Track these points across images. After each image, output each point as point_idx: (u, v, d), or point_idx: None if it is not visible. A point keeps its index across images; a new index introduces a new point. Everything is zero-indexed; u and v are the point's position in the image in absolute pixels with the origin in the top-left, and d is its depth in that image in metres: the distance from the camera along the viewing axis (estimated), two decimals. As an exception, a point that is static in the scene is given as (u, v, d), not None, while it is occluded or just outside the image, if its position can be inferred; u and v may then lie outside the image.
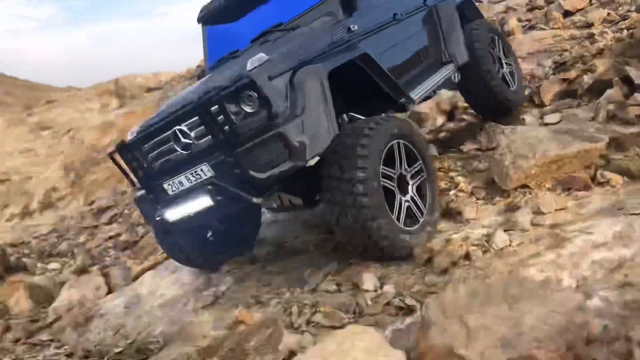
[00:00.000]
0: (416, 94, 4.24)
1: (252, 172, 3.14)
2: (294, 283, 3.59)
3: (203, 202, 3.31)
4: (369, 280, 3.17)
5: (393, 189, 3.37)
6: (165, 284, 4.56)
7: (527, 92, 5.62)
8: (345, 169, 3.12)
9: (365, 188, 3.10)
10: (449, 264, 3.03)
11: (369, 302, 2.94)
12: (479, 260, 2.97)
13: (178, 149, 3.46)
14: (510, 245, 3.03)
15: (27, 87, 33.62)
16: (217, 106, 3.19)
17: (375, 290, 3.07)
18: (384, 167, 3.30)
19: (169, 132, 3.46)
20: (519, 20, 8.15)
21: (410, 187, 3.52)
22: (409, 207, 3.46)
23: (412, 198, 3.50)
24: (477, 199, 3.86)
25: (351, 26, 3.83)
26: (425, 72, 4.62)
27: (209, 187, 3.27)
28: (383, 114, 3.65)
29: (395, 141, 3.42)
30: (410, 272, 3.20)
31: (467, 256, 3.04)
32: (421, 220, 3.48)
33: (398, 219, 3.32)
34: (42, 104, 26.41)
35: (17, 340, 4.52)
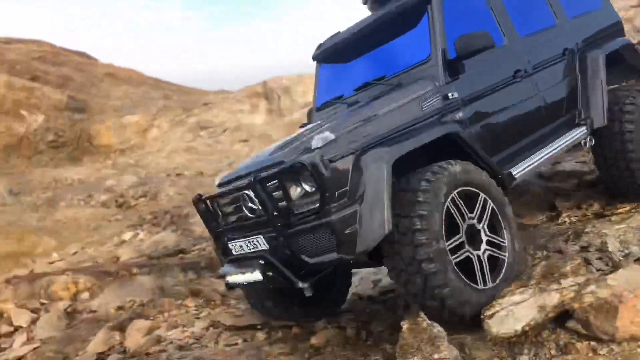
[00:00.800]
0: (524, 166, 3.74)
1: (302, 256, 3.04)
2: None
3: (254, 275, 3.21)
4: (612, 244, 3.82)
5: (460, 225, 3.14)
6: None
7: None
8: (404, 231, 2.93)
9: (428, 252, 2.88)
10: (690, 230, 3.60)
11: (621, 258, 3.59)
12: None
13: (246, 211, 3.37)
14: None
15: (182, 91, 36.67)
16: (276, 181, 3.10)
17: (621, 251, 3.71)
18: (459, 198, 3.12)
19: (240, 193, 3.38)
20: None
21: (481, 248, 3.20)
22: (469, 265, 3.14)
23: (478, 258, 3.18)
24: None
25: (450, 94, 3.52)
26: (547, 136, 4.06)
27: (261, 261, 3.17)
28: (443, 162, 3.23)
29: (479, 192, 3.22)
30: (647, 239, 3.79)
31: None
32: (479, 287, 3.09)
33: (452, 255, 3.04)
34: (199, 106, 28.89)
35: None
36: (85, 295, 6.63)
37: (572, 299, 2.66)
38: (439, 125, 3.37)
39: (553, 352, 2.65)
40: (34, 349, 5.26)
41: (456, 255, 3.05)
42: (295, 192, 3.08)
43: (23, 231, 17.02)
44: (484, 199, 3.24)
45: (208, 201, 3.66)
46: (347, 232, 2.86)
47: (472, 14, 3.94)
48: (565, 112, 4.24)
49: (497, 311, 2.88)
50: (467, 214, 3.16)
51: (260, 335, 4.00)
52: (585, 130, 4.19)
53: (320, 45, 4.71)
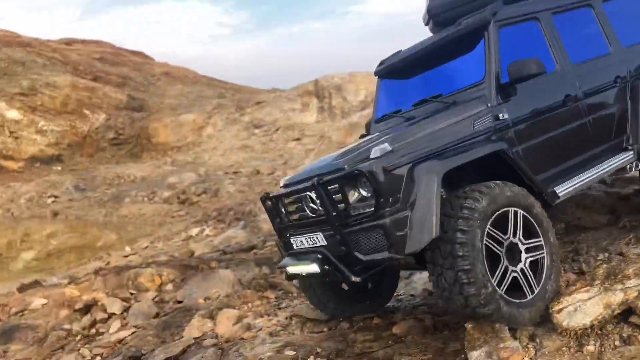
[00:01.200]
0: (568, 186, 3.94)
1: (355, 253, 3.42)
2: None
3: (312, 267, 3.64)
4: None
5: (499, 253, 3.36)
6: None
7: None
8: (446, 229, 3.22)
9: (464, 251, 3.16)
10: None
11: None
12: None
13: (307, 211, 3.78)
14: None
15: (235, 90, 37.49)
16: (336, 185, 3.45)
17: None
18: (492, 229, 3.33)
19: (303, 194, 3.78)
20: None
21: (522, 259, 3.45)
22: (515, 279, 3.39)
23: (522, 271, 3.42)
24: None
25: (500, 115, 3.77)
26: (593, 159, 4.24)
27: (318, 255, 3.59)
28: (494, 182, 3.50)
29: (508, 208, 3.41)
30: None
31: None
32: (528, 298, 3.39)
33: (499, 286, 3.30)
34: (252, 105, 29.60)
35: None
36: (169, 286, 7.26)
37: (635, 298, 3.03)
38: (488, 143, 3.65)
39: (617, 343, 3.02)
40: (132, 333, 5.89)
41: (504, 284, 3.32)
42: (353, 196, 3.44)
43: (86, 225, 18.10)
44: (514, 212, 3.45)
45: (274, 199, 4.11)
46: (398, 234, 3.21)
47: (527, 40, 4.19)
48: (614, 137, 4.41)
49: (565, 306, 3.25)
50: (503, 238, 3.39)
51: (344, 325, 4.46)
52: (632, 155, 4.36)
53: (382, 62, 5.06)
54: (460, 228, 3.21)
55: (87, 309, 7.11)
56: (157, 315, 6.38)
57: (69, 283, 8.53)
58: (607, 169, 4.22)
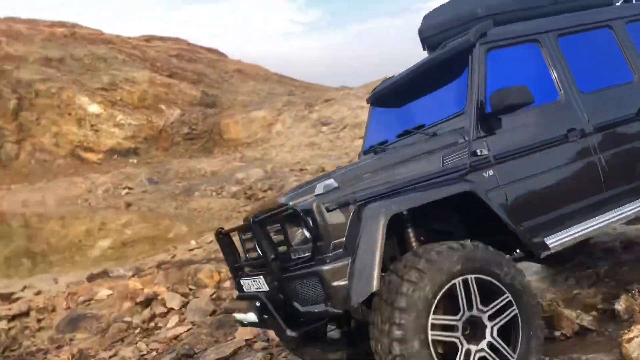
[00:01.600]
0: (564, 235, 3.33)
1: (294, 302, 2.96)
2: None
3: (251, 316, 3.15)
4: None
5: (455, 340, 2.80)
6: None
7: None
8: (383, 319, 2.75)
9: (403, 350, 2.65)
10: None
11: None
12: None
13: (258, 250, 3.30)
14: None
15: (304, 87, 37.73)
16: (278, 224, 3.07)
17: None
18: (438, 317, 2.76)
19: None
20: None
21: (487, 331, 2.87)
22: (483, 358, 2.82)
23: (490, 345, 2.85)
24: None
25: (479, 150, 3.26)
26: (603, 204, 3.60)
27: (257, 303, 3.07)
28: (449, 244, 2.90)
29: (459, 279, 2.81)
30: None
31: None
32: None
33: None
34: (320, 102, 29.69)
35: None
36: (227, 284, 7.32)
37: None
38: (458, 182, 3.14)
39: (691, 379, 2.72)
40: (188, 330, 5.96)
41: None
42: (295, 237, 3.04)
43: (158, 216, 18.73)
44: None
45: (227, 235, 3.59)
46: (335, 284, 2.75)
47: (524, 65, 3.71)
48: (631, 179, 3.76)
49: (636, 336, 2.96)
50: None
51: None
52: None
53: (375, 88, 4.64)
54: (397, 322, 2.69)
55: (148, 302, 7.29)
56: (213, 313, 6.44)
57: (133, 275, 8.78)
58: (623, 216, 3.58)
